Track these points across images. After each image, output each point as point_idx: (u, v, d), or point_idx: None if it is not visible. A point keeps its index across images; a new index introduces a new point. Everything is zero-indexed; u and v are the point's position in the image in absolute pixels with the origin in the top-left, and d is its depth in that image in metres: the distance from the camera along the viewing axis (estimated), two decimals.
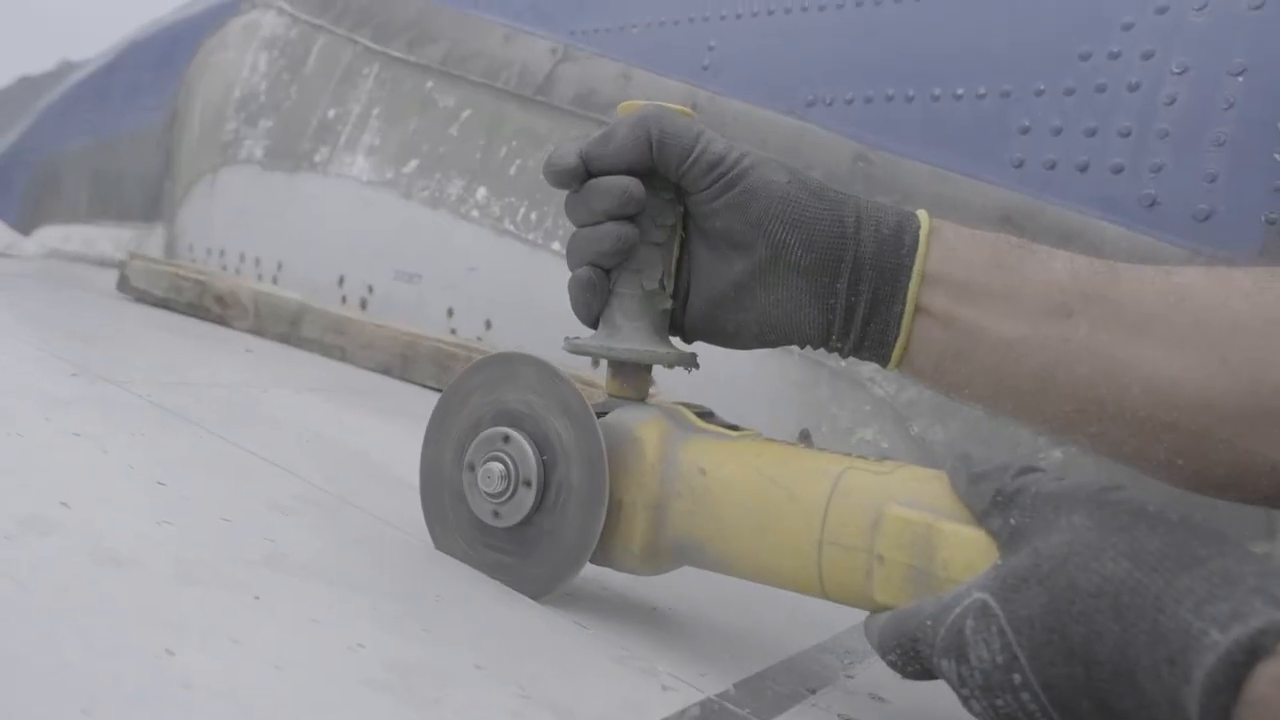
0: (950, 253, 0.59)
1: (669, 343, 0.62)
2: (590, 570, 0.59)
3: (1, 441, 0.62)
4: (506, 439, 0.58)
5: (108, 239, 2.54)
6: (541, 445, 0.57)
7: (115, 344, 1.02)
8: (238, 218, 1.96)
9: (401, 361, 1.17)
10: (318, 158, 1.78)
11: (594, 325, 0.61)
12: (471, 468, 0.59)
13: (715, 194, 0.58)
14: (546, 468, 0.57)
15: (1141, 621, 0.39)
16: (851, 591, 0.52)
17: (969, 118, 0.99)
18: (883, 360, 0.60)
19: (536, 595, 0.58)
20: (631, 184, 0.57)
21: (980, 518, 0.48)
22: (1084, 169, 0.90)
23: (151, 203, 2.42)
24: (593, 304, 0.60)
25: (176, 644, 0.42)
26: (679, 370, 0.62)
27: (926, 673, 0.48)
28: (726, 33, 1.23)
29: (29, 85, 5.18)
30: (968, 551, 0.48)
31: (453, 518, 0.61)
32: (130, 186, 2.54)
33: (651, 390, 0.62)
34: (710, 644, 0.60)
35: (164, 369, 0.94)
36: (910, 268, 0.58)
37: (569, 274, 0.62)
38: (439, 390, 1.18)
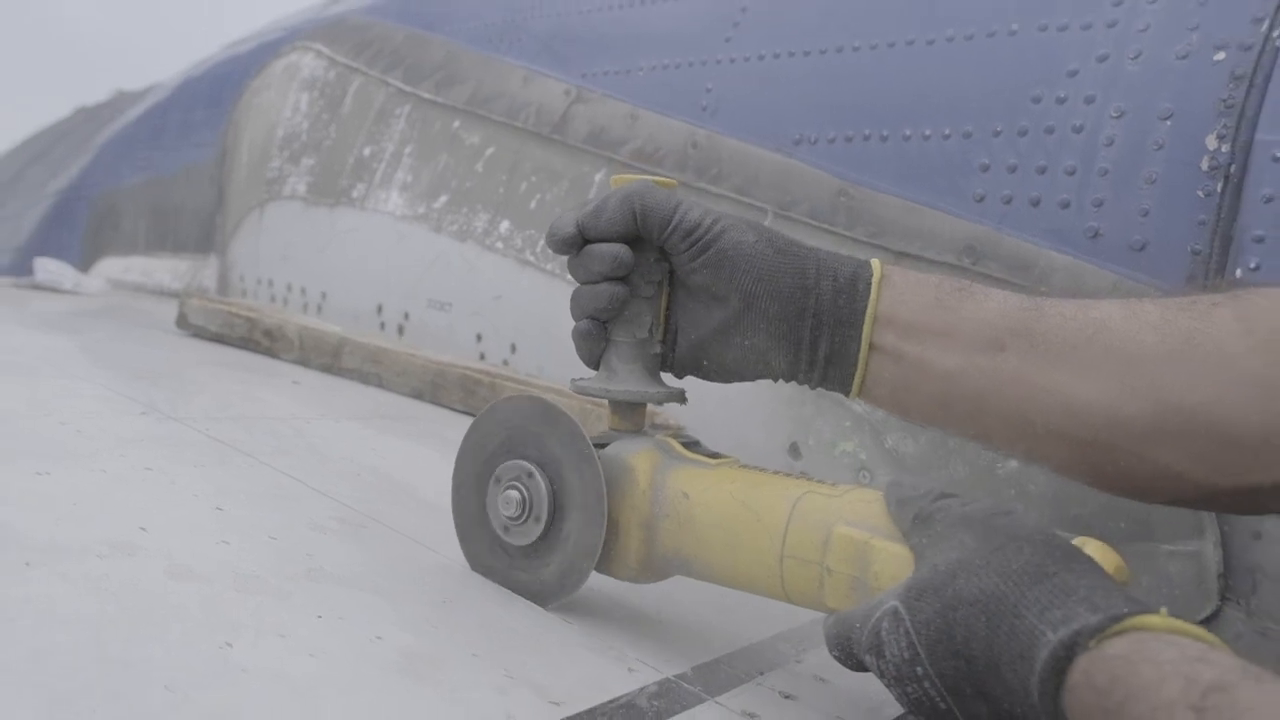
0: (898, 297, 0.70)
1: (660, 382, 0.73)
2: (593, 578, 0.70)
3: (88, 477, 0.76)
4: (524, 472, 0.69)
5: (165, 270, 2.72)
6: (553, 477, 0.68)
7: (177, 382, 1.16)
8: (284, 250, 2.11)
9: (432, 387, 1.30)
10: (355, 193, 1.92)
11: (595, 367, 0.73)
12: (498, 480, 0.70)
13: (693, 255, 0.69)
14: (555, 494, 0.68)
15: (1003, 625, 0.49)
16: (808, 597, 0.63)
17: (936, 156, 1.09)
18: (845, 390, 0.71)
19: (546, 603, 0.69)
20: (621, 250, 0.69)
21: (905, 536, 0.59)
22: (1036, 203, 1.00)
23: (205, 235, 2.59)
24: (593, 351, 0.72)
25: (234, 639, 0.54)
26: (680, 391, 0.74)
27: (861, 665, 0.58)
28: (722, 76, 1.34)
29: (86, 116, 5.45)
30: (894, 565, 0.59)
31: (477, 529, 0.72)
32: (185, 220, 2.71)
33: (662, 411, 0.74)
34: (680, 636, 0.72)
35: (220, 405, 1.08)
36: (864, 312, 0.69)
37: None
38: (466, 413, 1.31)
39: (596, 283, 0.70)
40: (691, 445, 0.72)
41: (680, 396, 0.73)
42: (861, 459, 1.07)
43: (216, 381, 1.22)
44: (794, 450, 1.14)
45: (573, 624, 0.68)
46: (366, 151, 1.94)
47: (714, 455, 0.71)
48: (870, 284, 0.69)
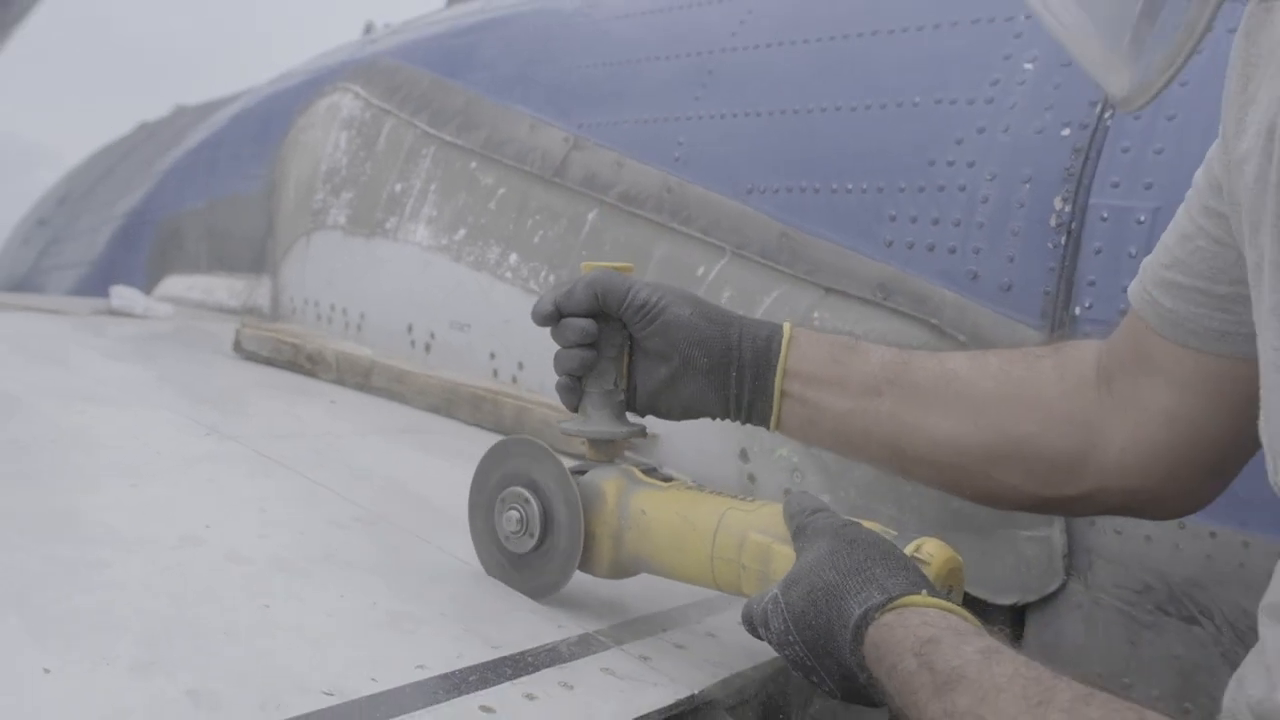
0: (802, 354, 0.92)
1: (626, 422, 0.94)
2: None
3: (165, 488, 1.01)
4: (521, 498, 0.90)
5: (224, 289, 3.00)
6: (543, 500, 0.89)
7: (233, 405, 1.42)
8: (328, 275, 2.37)
9: (446, 403, 1.54)
10: (389, 225, 2.17)
11: (575, 412, 0.94)
12: (502, 503, 0.91)
13: (643, 325, 0.91)
14: (545, 513, 0.89)
15: (835, 605, 0.71)
16: (732, 587, 0.85)
17: (856, 207, 1.30)
18: (766, 426, 0.93)
19: (540, 597, 0.90)
20: (588, 323, 0.90)
21: (791, 541, 0.81)
22: (931, 249, 1.21)
23: (259, 258, 2.87)
24: (571, 400, 0.94)
25: (271, 603, 0.78)
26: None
27: (759, 635, 0.80)
28: (691, 131, 1.56)
29: (148, 132, 5.81)
30: (786, 563, 0.80)
31: (487, 541, 0.94)
32: (240, 244, 2.99)
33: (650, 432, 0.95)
34: (612, 608, 0.94)
35: (268, 425, 1.33)
36: (776, 367, 0.91)
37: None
38: (475, 425, 1.55)
39: (570, 348, 0.92)
40: (650, 471, 0.93)
41: (641, 432, 0.94)
42: (794, 461, 1.29)
43: (266, 402, 1.47)
44: (743, 455, 1.36)
45: (529, 602, 0.91)
46: (398, 188, 2.19)
47: (666, 479, 0.92)
48: (781, 344, 0.91)
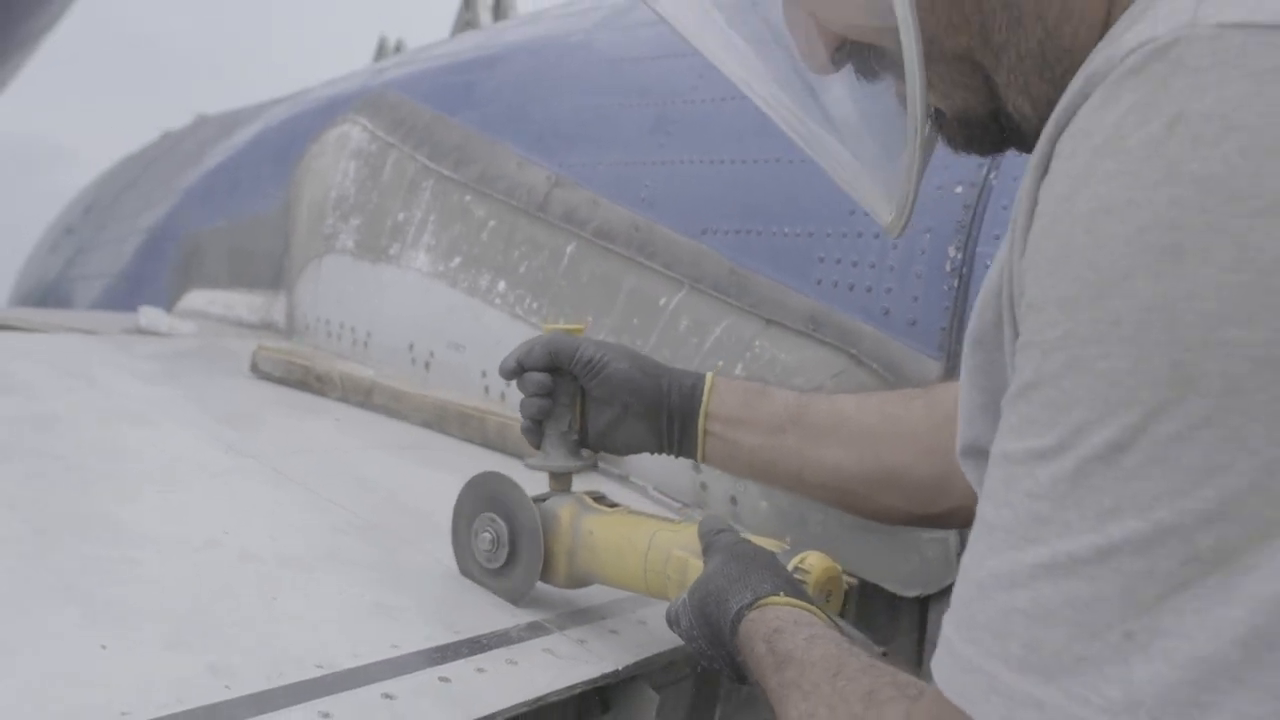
0: (721, 399, 1.10)
1: (579, 457, 1.11)
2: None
3: (190, 497, 1.21)
4: (493, 522, 1.09)
5: (244, 304, 3.21)
6: (510, 524, 1.08)
7: (249, 424, 1.62)
8: (338, 296, 2.57)
9: (438, 420, 1.74)
10: (393, 251, 2.37)
11: (538, 449, 1.13)
12: (477, 527, 1.10)
13: (590, 378, 1.09)
14: (512, 535, 1.07)
15: (721, 606, 0.89)
16: (660, 593, 1.03)
17: (792, 249, 1.49)
18: (694, 459, 1.12)
19: (515, 602, 1.09)
20: (544, 377, 1.09)
21: (702, 555, 0.99)
22: (852, 288, 1.40)
23: (275, 275, 3.07)
24: (534, 440, 1.12)
25: (277, 595, 0.98)
26: None
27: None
28: (656, 175, 1.75)
29: (171, 141, 6.03)
30: (696, 574, 0.98)
31: (466, 557, 1.12)
32: (259, 261, 3.20)
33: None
34: (560, 601, 1.13)
35: (279, 442, 1.53)
36: (699, 410, 1.09)
37: None
38: (464, 440, 1.73)
39: (531, 397, 1.11)
40: (599, 499, 1.11)
41: (592, 465, 1.13)
42: None
43: (278, 420, 1.67)
44: (696, 467, 1.55)
45: (487, 594, 1.10)
46: (401, 216, 2.39)
47: (612, 505, 1.10)
48: (704, 391, 1.10)
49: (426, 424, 1.75)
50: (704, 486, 1.55)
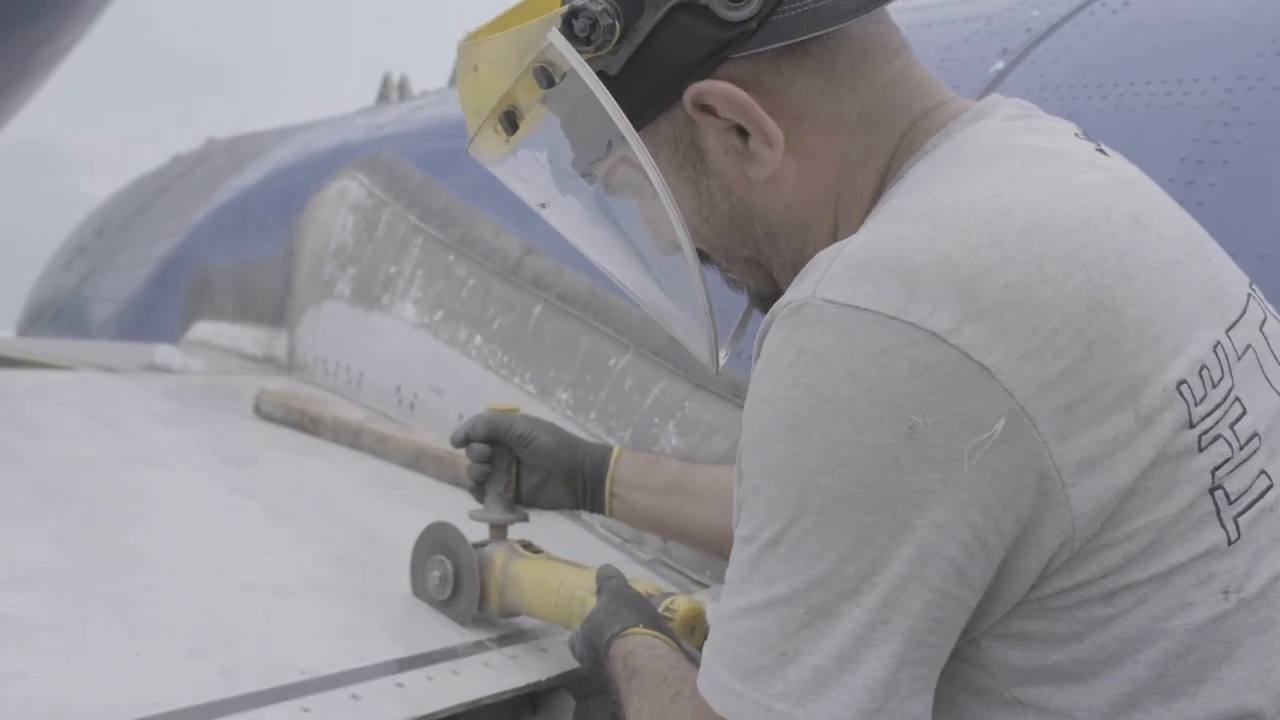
0: (623, 468, 1.37)
1: (514, 512, 1.38)
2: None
3: (202, 532, 1.48)
4: (442, 563, 1.36)
5: (249, 338, 3.49)
6: (455, 564, 1.35)
7: (252, 465, 1.89)
8: (335, 338, 2.85)
9: (417, 461, 2.01)
10: (384, 301, 2.65)
11: (480, 504, 1.40)
12: (430, 566, 1.37)
13: (521, 449, 1.36)
14: (456, 573, 1.35)
15: (599, 634, 1.15)
16: (568, 624, 1.29)
17: None
18: (605, 514, 1.38)
19: (461, 624, 1.36)
20: (485, 448, 1.35)
21: (597, 595, 1.26)
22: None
23: (279, 312, 3.35)
24: (478, 496, 1.39)
25: (271, 616, 1.25)
26: None
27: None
28: None
29: (182, 165, 6.33)
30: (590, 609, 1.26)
31: (421, 589, 1.40)
32: (263, 299, 3.48)
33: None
34: (500, 628, 1.40)
35: (276, 483, 1.80)
36: (606, 476, 1.37)
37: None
38: (438, 479, 2.01)
39: (475, 463, 1.38)
40: (527, 546, 1.38)
41: (524, 519, 1.40)
42: None
43: (276, 463, 1.94)
44: None
45: (442, 616, 1.37)
46: (392, 269, 2.67)
47: (537, 552, 1.37)
48: (610, 461, 1.37)
49: (407, 464, 2.02)
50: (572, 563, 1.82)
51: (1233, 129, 1.28)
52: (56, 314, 6.30)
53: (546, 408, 2.02)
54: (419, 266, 2.57)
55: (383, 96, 5.80)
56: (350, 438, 2.11)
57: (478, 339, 2.29)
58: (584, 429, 1.94)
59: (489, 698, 1.21)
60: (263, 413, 2.24)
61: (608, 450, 1.37)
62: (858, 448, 0.63)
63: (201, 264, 4.09)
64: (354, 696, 1.12)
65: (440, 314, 2.43)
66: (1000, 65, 1.63)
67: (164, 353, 2.94)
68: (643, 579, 1.27)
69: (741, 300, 0.97)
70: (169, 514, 1.55)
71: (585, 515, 1.89)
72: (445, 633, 1.33)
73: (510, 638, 1.36)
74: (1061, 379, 0.61)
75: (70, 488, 1.58)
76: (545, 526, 1.50)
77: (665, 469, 1.36)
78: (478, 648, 1.31)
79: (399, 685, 1.17)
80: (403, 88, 5.77)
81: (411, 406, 2.44)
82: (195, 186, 5.28)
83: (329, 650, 1.20)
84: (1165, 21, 1.52)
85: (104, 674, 1.06)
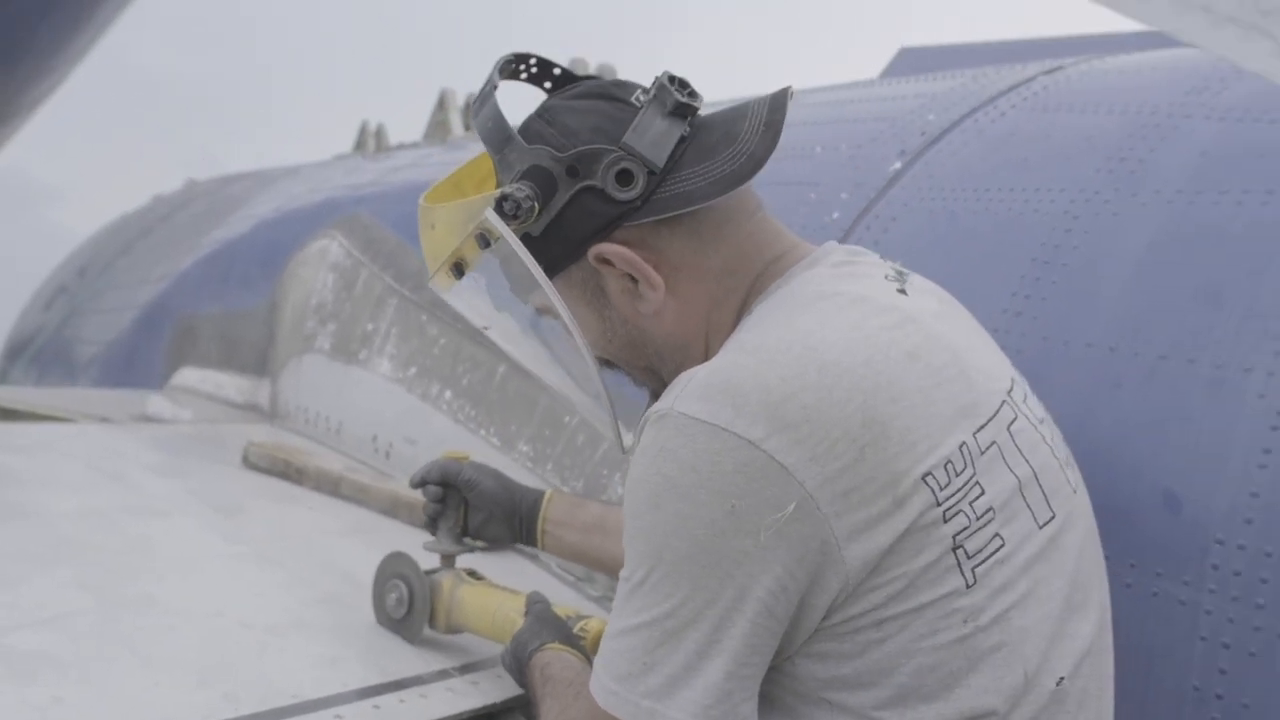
0: (553, 509, 1.62)
1: (462, 544, 1.64)
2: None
3: (202, 579, 1.72)
4: (398, 585, 1.61)
5: (233, 386, 3.72)
6: (410, 587, 1.59)
7: (241, 515, 2.12)
8: (315, 389, 3.08)
9: (392, 508, 2.25)
10: (361, 356, 2.89)
11: (434, 536, 1.64)
12: (388, 589, 1.62)
13: (468, 491, 1.61)
14: (410, 595, 1.60)
15: (522, 649, 1.38)
16: (503, 640, 1.53)
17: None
18: (538, 548, 1.63)
19: (411, 642, 1.60)
20: (438, 490, 1.60)
21: (525, 616, 1.50)
22: None
23: (262, 362, 3.58)
24: (431, 531, 1.64)
25: (265, 648, 1.49)
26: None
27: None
28: None
29: (164, 208, 6.56)
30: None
31: (380, 608, 1.65)
32: (247, 349, 3.72)
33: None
34: (464, 654, 1.64)
35: (266, 531, 2.04)
36: (539, 516, 1.61)
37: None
38: (411, 525, 2.24)
39: (430, 502, 1.63)
40: (472, 574, 1.63)
41: (470, 550, 1.64)
42: None
43: (263, 512, 2.18)
44: None
45: (413, 649, 1.61)
46: (369, 327, 2.91)
47: (480, 579, 1.62)
48: (543, 504, 1.62)
49: (384, 511, 2.26)
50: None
51: (1072, 235, 1.54)
52: (38, 353, 6.50)
53: (509, 459, 2.26)
54: (394, 325, 2.82)
55: (360, 145, 6.06)
56: (331, 487, 2.35)
57: (448, 394, 2.53)
58: (542, 478, 2.18)
59: (452, 717, 1.45)
60: (250, 463, 2.48)
61: (541, 494, 1.62)
62: (696, 521, 0.88)
63: (186, 312, 4.32)
64: (338, 716, 1.36)
65: (413, 370, 2.67)
66: (898, 165, 1.90)
67: (155, 403, 3.17)
68: (564, 605, 1.51)
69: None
70: (172, 561, 1.78)
71: (542, 556, 2.14)
72: (414, 662, 1.57)
73: (470, 666, 1.60)
74: (840, 474, 0.87)
75: (84, 538, 1.82)
76: (510, 567, 1.76)
77: (589, 511, 1.62)
78: (442, 675, 1.55)
79: (375, 707, 1.41)
80: (379, 136, 6.03)
81: (387, 455, 2.68)
82: (178, 232, 5.52)
83: (315, 678, 1.44)
84: (1033, 134, 1.79)
85: (129, 701, 1.30)
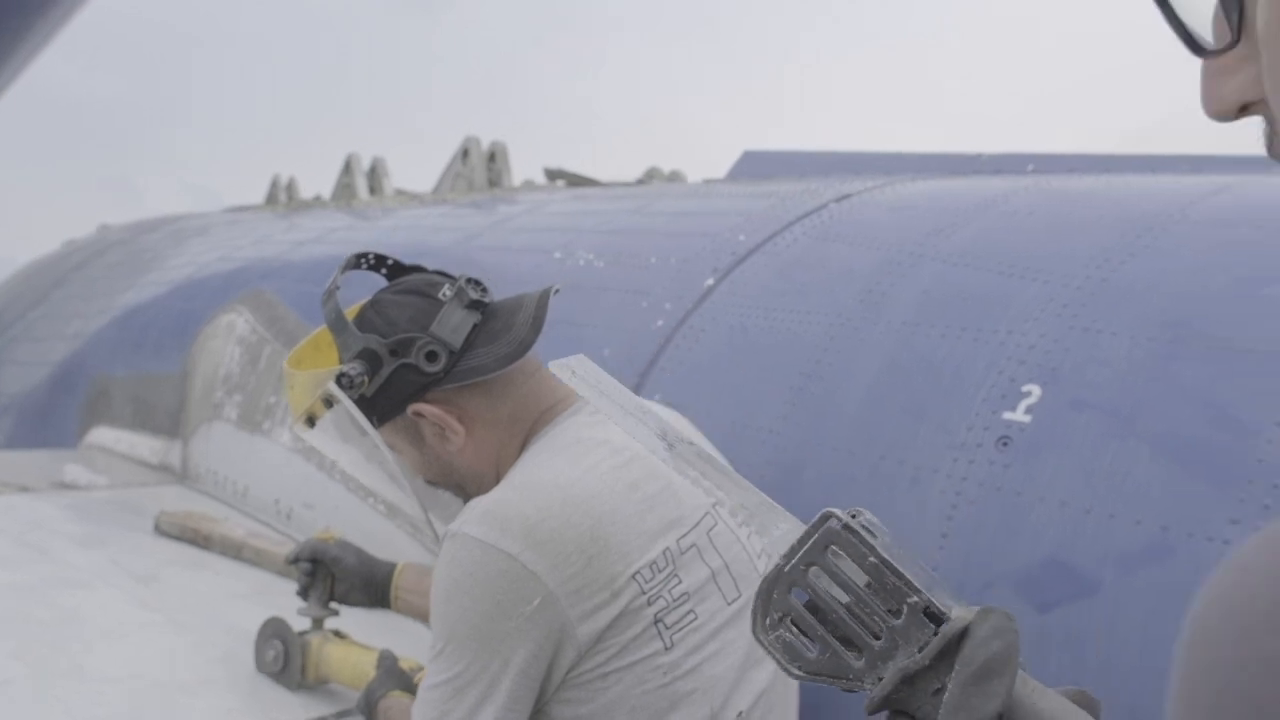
0: (405, 577, 1.99)
1: (329, 610, 2.00)
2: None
3: (125, 646, 2.06)
4: (275, 644, 1.98)
5: (146, 446, 4.02)
6: (285, 646, 1.97)
7: (156, 583, 2.46)
8: (223, 454, 3.41)
9: (285, 570, 2.60)
10: (265, 426, 3.23)
11: (306, 601, 2.01)
12: (267, 647, 1.99)
13: (334, 566, 1.98)
14: (285, 653, 1.97)
15: (372, 696, 1.71)
16: (359, 688, 1.91)
17: None
18: (392, 610, 2.00)
19: (290, 689, 1.98)
20: (309, 565, 1.97)
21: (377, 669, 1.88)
22: None
23: (174, 425, 3.89)
24: (304, 598, 2.01)
25: (178, 706, 1.85)
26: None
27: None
28: None
29: (78, 258, 6.75)
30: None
31: (262, 661, 2.02)
32: (159, 413, 4.02)
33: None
34: (338, 702, 2.01)
35: (179, 599, 2.38)
36: (392, 584, 1.99)
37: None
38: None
39: (302, 575, 1.99)
40: (337, 634, 2.01)
41: (335, 614, 2.01)
42: None
43: (176, 578, 2.52)
44: None
45: (298, 698, 1.97)
46: (272, 400, 3.26)
47: (343, 638, 1.99)
48: (394, 574, 1.99)
49: (280, 573, 2.61)
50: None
51: (829, 354, 1.97)
52: None
53: (393, 525, 2.63)
54: None
55: (271, 199, 6.38)
56: (234, 552, 2.70)
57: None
58: (421, 542, 2.55)
59: None
60: (161, 530, 2.81)
61: (393, 566, 2.00)
62: (473, 612, 1.27)
63: (101, 373, 4.60)
64: None
65: None
66: (711, 281, 2.32)
67: (71, 470, 3.47)
68: (409, 658, 1.90)
69: None
70: (96, 630, 2.12)
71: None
72: (303, 712, 1.94)
73: (344, 712, 1.98)
74: (573, 577, 1.27)
75: (16, 611, 2.15)
76: (391, 624, 2.13)
77: (421, 580, 1.99)
78: (340, 716, 1.92)
79: None
80: (290, 190, 6.36)
81: (288, 517, 3.02)
82: (92, 286, 5.77)
83: None
84: (812, 261, 2.23)
85: None
